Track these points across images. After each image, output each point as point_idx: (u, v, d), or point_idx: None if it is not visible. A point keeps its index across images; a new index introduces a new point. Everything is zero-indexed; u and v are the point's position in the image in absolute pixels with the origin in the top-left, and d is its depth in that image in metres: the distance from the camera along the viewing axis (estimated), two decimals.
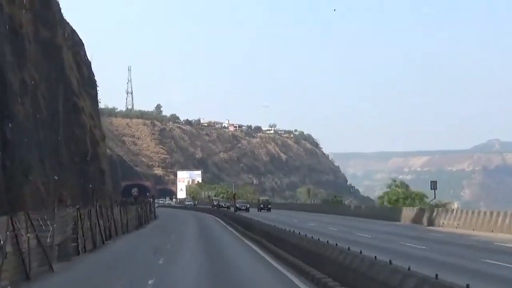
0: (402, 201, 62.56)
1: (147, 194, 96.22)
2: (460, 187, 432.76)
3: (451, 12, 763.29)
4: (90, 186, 39.26)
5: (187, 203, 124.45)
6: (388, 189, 69.54)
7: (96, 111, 50.69)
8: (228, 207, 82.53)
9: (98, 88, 53.85)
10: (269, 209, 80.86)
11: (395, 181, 72.73)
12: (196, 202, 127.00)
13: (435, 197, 56.34)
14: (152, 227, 47.35)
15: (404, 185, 70.54)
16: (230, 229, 42.01)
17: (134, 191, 70.53)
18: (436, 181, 54.56)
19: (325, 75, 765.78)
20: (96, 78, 55.06)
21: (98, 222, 28.35)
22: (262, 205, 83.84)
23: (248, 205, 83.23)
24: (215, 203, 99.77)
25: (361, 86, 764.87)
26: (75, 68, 41.66)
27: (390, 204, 63.79)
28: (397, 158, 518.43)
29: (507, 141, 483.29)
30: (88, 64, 51.30)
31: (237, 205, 80.00)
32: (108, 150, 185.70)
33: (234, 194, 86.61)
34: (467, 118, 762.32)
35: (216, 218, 60.40)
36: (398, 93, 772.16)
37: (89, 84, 49.98)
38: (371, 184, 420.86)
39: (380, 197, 72.58)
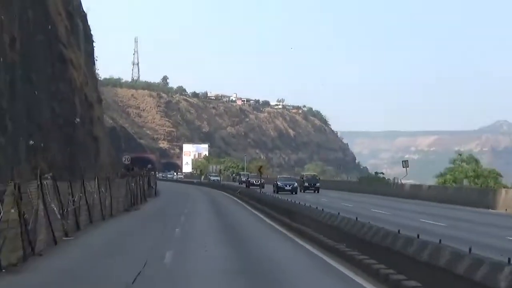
0: (472, 180, 52.13)
1: (148, 166, 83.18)
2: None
3: None
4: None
5: (213, 178, 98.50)
6: (452, 165, 57.39)
7: (91, 69, 43.86)
8: (261, 185, 54.50)
9: (94, 44, 47.15)
10: (317, 190, 58.19)
11: (460, 154, 59.97)
12: (203, 176, 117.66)
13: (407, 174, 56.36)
14: (148, 210, 35.51)
15: (472, 160, 57.76)
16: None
17: (126, 159, 50.35)
18: None
19: (335, 51, 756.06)
20: (92, 33, 48.27)
21: (59, 203, 18.68)
22: (307, 184, 59.73)
23: (295, 184, 56.30)
24: (243, 179, 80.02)
25: (369, 64, 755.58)
26: (64, 15, 34.68)
27: (454, 184, 52.07)
28: (403, 137, 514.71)
29: None
30: (82, 16, 44.28)
31: (279, 183, 55.23)
32: (110, 120, 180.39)
33: (261, 167, 56.55)
34: (475, 99, 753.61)
35: (243, 204, 42.54)
36: (405, 73, 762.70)
37: (84, 38, 43.07)
38: (377, 163, 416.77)
39: (441, 175, 57.42)
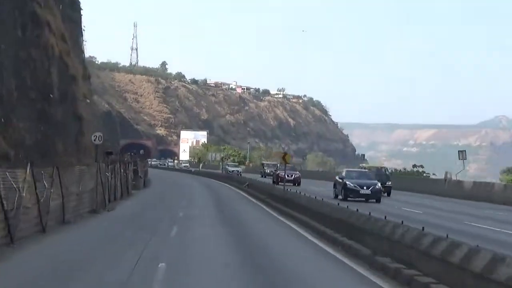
0: None
1: (140, 151, 71.88)
2: (466, 161, 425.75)
3: None
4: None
5: (232, 169, 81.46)
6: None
7: (76, 39, 38.57)
8: (296, 181, 45.77)
9: (82, 11, 41.84)
10: (388, 192, 39.23)
11: None
12: (201, 165, 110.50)
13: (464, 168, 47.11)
14: (125, 213, 25.56)
15: None
16: None
17: (96, 137, 31.94)
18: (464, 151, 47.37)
19: (335, 40, 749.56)
20: (81, 4, 43.04)
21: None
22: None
23: (377, 185, 33.65)
24: (268, 171, 65.27)
25: (370, 56, 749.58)
26: None
27: None
28: (402, 130, 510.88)
29: None
30: None
31: (348, 182, 33.08)
32: (106, 104, 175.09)
33: (285, 154, 37.49)
34: (474, 93, 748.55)
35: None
36: (406, 66, 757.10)
37: (70, 3, 37.86)
38: (375, 155, 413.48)
39: (509, 171, 48.89)
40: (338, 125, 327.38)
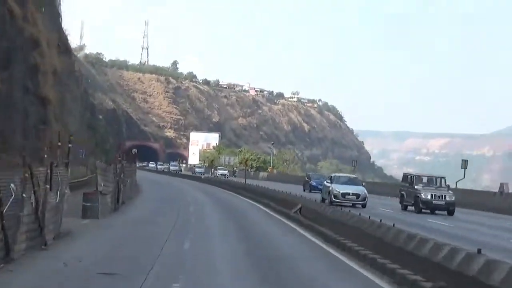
0: None
1: (133, 151, 55.27)
2: (480, 171, 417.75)
3: None
4: None
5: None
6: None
7: (52, 12, 28.58)
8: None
9: None
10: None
11: None
12: (211, 172, 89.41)
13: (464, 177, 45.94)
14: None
15: None
16: None
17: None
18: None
19: (347, 45, 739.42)
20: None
21: None
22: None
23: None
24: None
25: (382, 61, 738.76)
26: None
27: None
28: (414, 138, 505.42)
29: None
30: None
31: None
32: (110, 102, 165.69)
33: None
34: (487, 103, 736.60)
35: None
36: (418, 74, 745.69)
37: None
38: (386, 163, 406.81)
39: None
40: (354, 131, 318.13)
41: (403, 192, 31.89)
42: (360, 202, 30.93)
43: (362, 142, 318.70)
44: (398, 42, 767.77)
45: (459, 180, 45.51)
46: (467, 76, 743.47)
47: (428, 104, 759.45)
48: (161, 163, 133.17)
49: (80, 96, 48.80)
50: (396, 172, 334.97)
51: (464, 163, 47.34)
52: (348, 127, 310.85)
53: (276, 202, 31.28)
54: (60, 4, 32.41)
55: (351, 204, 30.23)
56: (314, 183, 49.37)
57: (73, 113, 29.86)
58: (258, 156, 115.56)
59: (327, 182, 33.96)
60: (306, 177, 54.19)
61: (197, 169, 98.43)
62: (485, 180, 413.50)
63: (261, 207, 33.41)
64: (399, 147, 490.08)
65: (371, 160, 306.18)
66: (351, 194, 31.27)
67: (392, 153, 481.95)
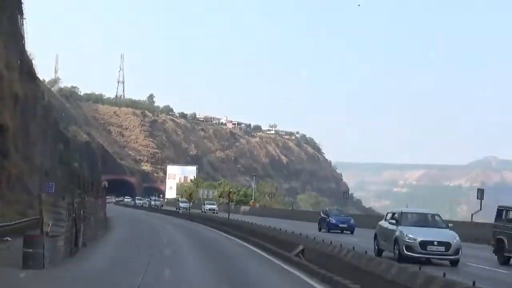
0: None
1: (103, 184, 48.23)
2: (457, 202, 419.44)
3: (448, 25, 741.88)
4: None
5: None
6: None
7: (14, 33, 26.21)
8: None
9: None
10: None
11: None
12: (190, 205, 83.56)
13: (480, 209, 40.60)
14: None
15: None
16: None
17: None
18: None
19: (323, 78, 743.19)
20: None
21: None
22: None
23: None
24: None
25: (359, 92, 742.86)
26: None
27: None
28: (392, 170, 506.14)
29: (504, 159, 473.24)
30: None
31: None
32: (85, 135, 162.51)
33: None
34: (463, 134, 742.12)
35: None
36: (393, 106, 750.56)
37: None
38: (364, 195, 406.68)
39: None
40: (332, 163, 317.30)
41: (501, 237, 21.44)
42: (451, 257, 20.11)
43: (341, 174, 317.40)
44: (373, 71, 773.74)
45: (475, 213, 42.71)
46: (443, 106, 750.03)
47: (405, 135, 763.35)
48: (140, 197, 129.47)
49: (51, 128, 45.89)
50: (374, 204, 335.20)
51: (480, 193, 41.34)
52: (326, 159, 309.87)
53: (271, 243, 25.30)
54: (23, 25, 30.08)
55: (437, 259, 20.49)
56: (333, 220, 40.36)
57: (38, 145, 27.10)
58: (238, 189, 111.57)
59: (387, 221, 22.33)
60: (322, 213, 43.44)
61: (181, 204, 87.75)
62: (464, 211, 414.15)
63: (254, 249, 27.21)
64: (376, 179, 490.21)
65: (350, 192, 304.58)
66: (436, 243, 20.14)
67: (369, 185, 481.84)
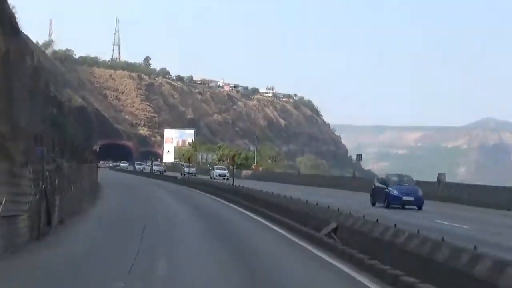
0: None
1: (94, 149, 47.31)
2: (455, 164, 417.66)
3: None
4: None
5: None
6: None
7: None
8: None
9: None
10: None
11: None
12: (194, 169, 79.61)
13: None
14: None
15: None
16: None
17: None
18: None
19: (322, 40, 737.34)
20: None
21: None
22: None
23: None
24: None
25: (358, 54, 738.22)
26: None
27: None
28: (390, 132, 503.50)
29: (503, 119, 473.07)
30: None
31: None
32: (79, 99, 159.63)
33: None
34: (461, 95, 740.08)
35: None
36: (393, 67, 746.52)
37: None
38: (363, 158, 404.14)
39: None
40: (330, 126, 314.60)
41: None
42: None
43: (339, 136, 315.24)
44: (372, 33, 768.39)
45: None
46: (442, 67, 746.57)
47: (403, 97, 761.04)
48: (139, 162, 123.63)
49: (40, 90, 42.79)
50: (373, 166, 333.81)
51: None
52: (324, 121, 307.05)
53: (293, 219, 20.63)
54: None
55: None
56: (395, 192, 30.87)
57: (25, 106, 24.17)
58: (239, 152, 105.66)
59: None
60: (377, 182, 33.71)
61: (187, 169, 78.92)
62: (462, 173, 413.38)
63: (270, 225, 22.23)
64: (374, 141, 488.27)
65: (349, 154, 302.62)
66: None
67: (368, 147, 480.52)
